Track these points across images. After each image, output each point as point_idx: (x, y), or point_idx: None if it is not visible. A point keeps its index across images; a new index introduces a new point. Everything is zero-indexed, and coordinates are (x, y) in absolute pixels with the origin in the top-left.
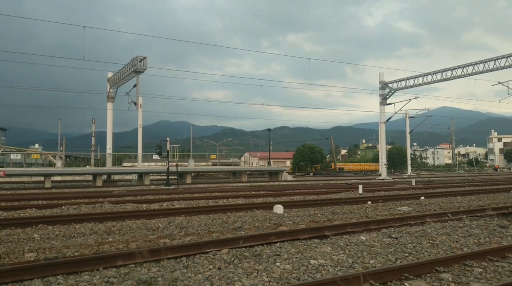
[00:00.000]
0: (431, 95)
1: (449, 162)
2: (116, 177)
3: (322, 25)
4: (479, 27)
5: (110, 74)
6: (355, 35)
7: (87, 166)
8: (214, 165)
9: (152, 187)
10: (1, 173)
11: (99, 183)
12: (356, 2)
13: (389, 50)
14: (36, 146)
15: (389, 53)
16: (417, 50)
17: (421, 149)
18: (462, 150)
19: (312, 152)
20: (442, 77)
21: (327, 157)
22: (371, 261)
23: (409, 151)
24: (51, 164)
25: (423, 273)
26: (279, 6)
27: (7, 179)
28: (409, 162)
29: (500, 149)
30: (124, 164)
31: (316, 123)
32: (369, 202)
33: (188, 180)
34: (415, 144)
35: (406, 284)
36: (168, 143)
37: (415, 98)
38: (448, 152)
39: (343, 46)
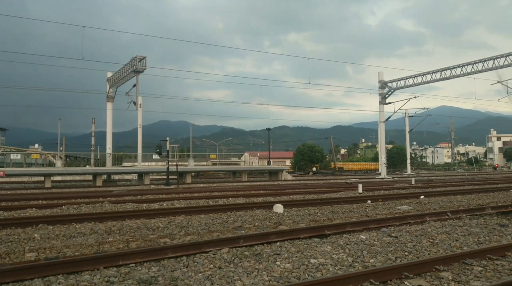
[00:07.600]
0: (430, 94)
1: (449, 161)
2: (116, 177)
3: (323, 24)
4: (481, 25)
5: (109, 74)
6: (357, 34)
7: (87, 166)
8: (214, 164)
9: (152, 186)
10: (1, 173)
11: (99, 182)
12: (359, 0)
13: (390, 49)
14: (36, 145)
15: (390, 52)
16: (418, 49)
17: (420, 148)
18: (461, 149)
19: (312, 151)
20: (441, 77)
21: (327, 156)
22: (371, 260)
23: (408, 150)
24: (51, 164)
25: (423, 272)
26: (280, 5)
27: (7, 179)
28: (408, 161)
29: (500, 148)
30: (124, 164)
31: (316, 122)
32: (369, 201)
33: (188, 179)
34: (414, 143)
35: (406, 282)
36: (168, 142)
37: (415, 97)
38: (448, 151)
39: (345, 45)
